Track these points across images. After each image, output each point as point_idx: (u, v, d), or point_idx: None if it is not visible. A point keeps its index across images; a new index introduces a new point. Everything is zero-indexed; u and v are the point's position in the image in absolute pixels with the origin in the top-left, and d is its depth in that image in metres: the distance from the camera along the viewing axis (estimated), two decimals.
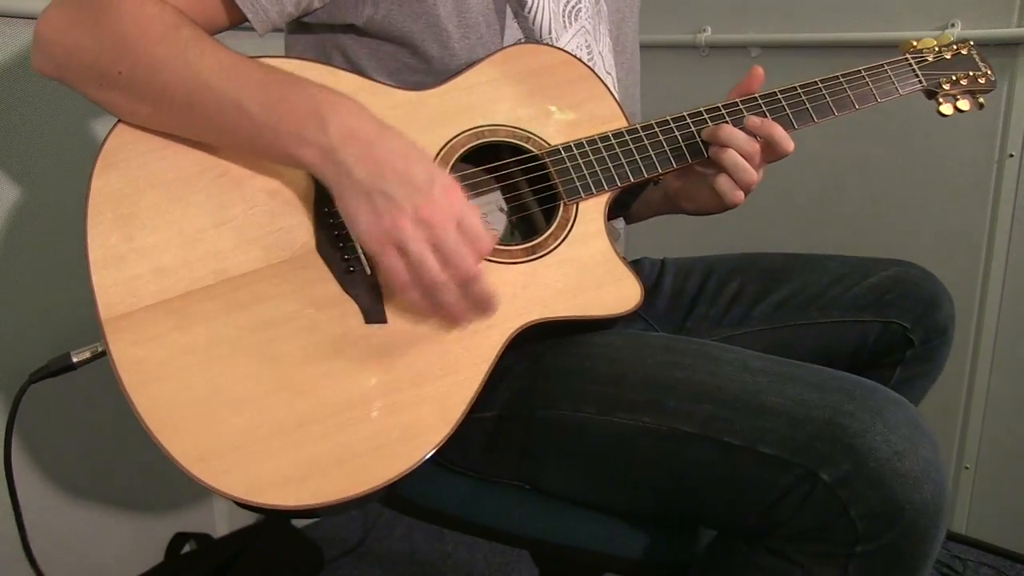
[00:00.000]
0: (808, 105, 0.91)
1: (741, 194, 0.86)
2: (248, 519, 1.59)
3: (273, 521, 1.55)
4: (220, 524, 1.57)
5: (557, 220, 0.83)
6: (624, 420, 0.74)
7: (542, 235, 0.82)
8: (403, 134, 0.71)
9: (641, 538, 0.80)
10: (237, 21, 0.78)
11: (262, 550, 1.50)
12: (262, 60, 0.73)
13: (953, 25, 1.45)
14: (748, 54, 1.72)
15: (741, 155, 0.84)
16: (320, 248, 0.74)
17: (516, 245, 0.81)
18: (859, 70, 0.95)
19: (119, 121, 0.74)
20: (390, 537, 1.67)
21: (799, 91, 0.92)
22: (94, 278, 0.69)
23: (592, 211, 0.84)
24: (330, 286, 0.74)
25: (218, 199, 0.73)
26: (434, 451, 0.71)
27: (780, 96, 0.91)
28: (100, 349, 0.71)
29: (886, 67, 0.96)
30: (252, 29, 0.78)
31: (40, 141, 1.22)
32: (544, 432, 0.78)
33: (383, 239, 0.68)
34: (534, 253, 0.81)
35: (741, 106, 0.89)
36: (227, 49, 0.72)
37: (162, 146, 0.73)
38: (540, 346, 0.80)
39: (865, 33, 1.56)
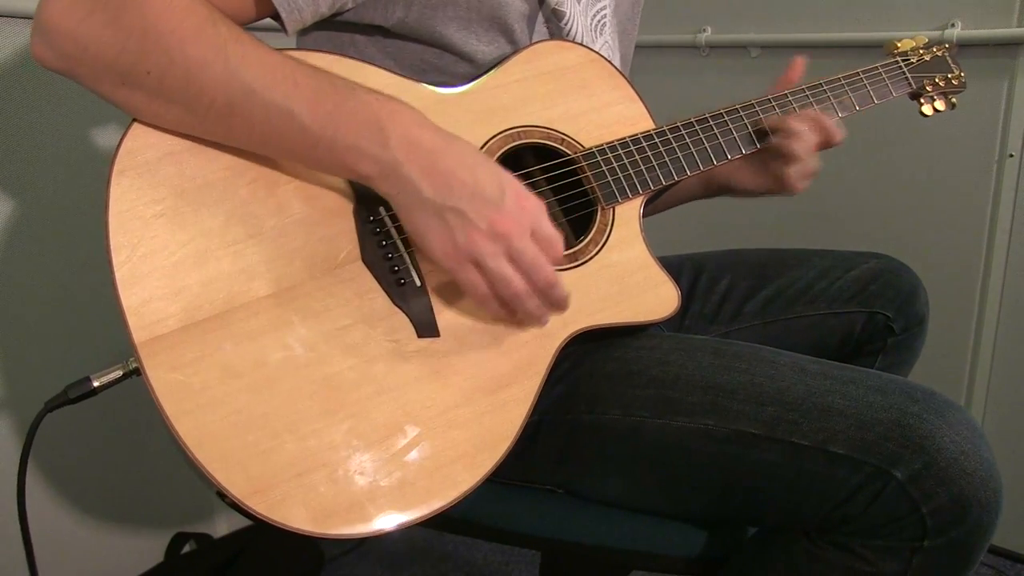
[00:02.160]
0: (815, 108, 0.94)
1: (806, 183, 0.92)
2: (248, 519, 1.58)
3: None
4: (220, 524, 1.56)
5: (595, 225, 0.82)
6: (683, 423, 0.74)
7: (582, 241, 0.81)
8: (466, 142, 0.68)
9: (677, 534, 0.80)
10: (263, 17, 0.73)
11: (262, 550, 1.50)
12: (302, 58, 0.68)
13: (953, 25, 1.45)
14: (748, 54, 1.72)
15: (806, 144, 0.88)
16: (365, 258, 0.71)
17: None
18: (857, 72, 0.98)
19: (134, 120, 0.67)
20: (390, 537, 1.67)
21: (806, 92, 0.94)
22: (122, 298, 0.63)
23: (628, 215, 0.84)
24: (378, 299, 0.70)
25: (251, 207, 0.68)
26: (495, 469, 0.69)
27: (790, 98, 0.93)
28: (122, 373, 0.67)
29: (880, 69, 1.00)
30: (267, 27, 0.74)
31: (44, 145, 1.20)
32: (589, 437, 0.78)
33: (459, 257, 0.66)
34: (576, 260, 0.80)
35: (757, 107, 0.91)
36: (268, 48, 0.66)
37: (185, 148, 0.67)
38: (577, 350, 0.80)
39: (865, 33, 1.56)
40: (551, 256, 0.69)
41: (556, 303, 0.71)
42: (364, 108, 0.66)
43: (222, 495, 0.63)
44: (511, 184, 0.68)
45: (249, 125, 0.65)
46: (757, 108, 0.91)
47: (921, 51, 1.04)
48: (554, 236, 0.69)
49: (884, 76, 1.00)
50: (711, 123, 0.89)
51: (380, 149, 0.65)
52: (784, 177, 0.91)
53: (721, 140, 0.89)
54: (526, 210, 0.68)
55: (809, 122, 0.90)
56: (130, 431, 1.36)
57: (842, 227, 1.67)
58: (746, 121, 0.90)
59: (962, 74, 1.06)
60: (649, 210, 1.03)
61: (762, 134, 0.91)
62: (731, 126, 0.90)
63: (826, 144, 0.92)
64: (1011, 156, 1.45)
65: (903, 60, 1.02)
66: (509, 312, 0.70)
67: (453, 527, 0.85)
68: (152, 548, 1.46)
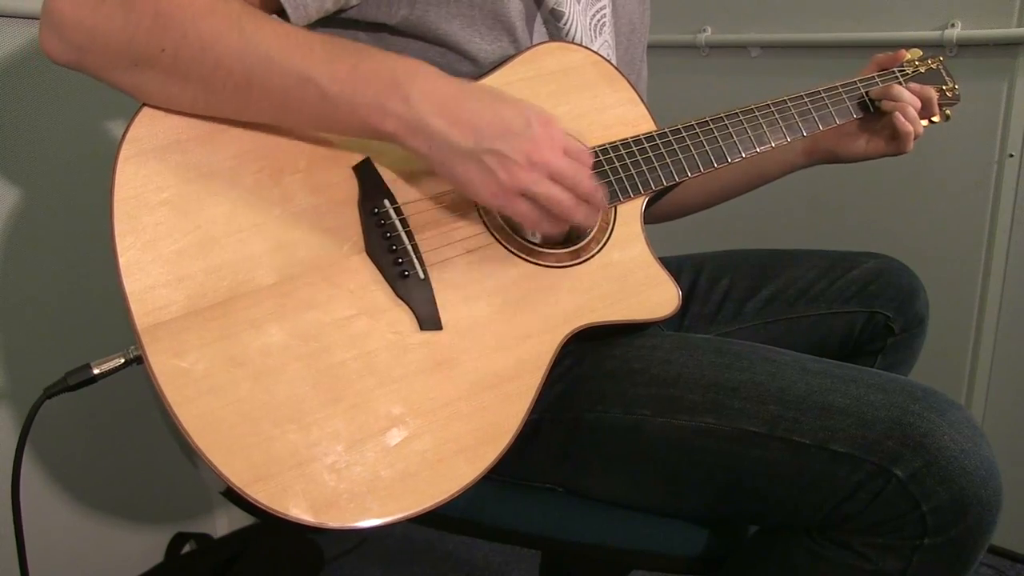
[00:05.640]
0: (814, 114, 0.96)
1: (911, 144, 0.99)
2: (248, 519, 1.59)
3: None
4: (220, 524, 1.56)
5: (597, 224, 0.83)
6: (684, 422, 0.74)
7: (584, 239, 0.82)
8: (481, 84, 0.70)
9: (678, 533, 0.80)
10: (268, 12, 0.73)
11: (262, 550, 1.50)
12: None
13: (953, 25, 1.45)
14: (748, 54, 1.72)
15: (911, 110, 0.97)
16: (369, 250, 0.71)
17: (561, 249, 0.80)
18: (854, 81, 1.00)
19: (142, 106, 0.68)
20: (390, 537, 1.67)
21: (805, 100, 0.96)
22: (126, 284, 0.63)
23: (630, 214, 0.85)
24: (382, 291, 0.71)
25: (257, 196, 0.69)
26: (496, 462, 0.69)
27: (790, 103, 0.95)
28: (123, 360, 0.66)
29: (877, 79, 1.01)
30: None
31: (46, 136, 1.20)
32: (590, 435, 0.78)
33: (507, 194, 0.68)
34: (578, 257, 0.81)
35: (756, 112, 0.93)
36: (281, 21, 0.67)
37: (192, 136, 0.68)
38: (578, 349, 0.80)
39: (865, 33, 1.56)
40: (587, 166, 0.72)
41: (598, 205, 0.74)
42: (381, 67, 0.67)
43: (226, 492, 0.63)
44: (534, 111, 0.70)
45: (268, 95, 0.66)
46: (756, 112, 0.93)
47: (916, 63, 1.05)
48: (582, 149, 0.72)
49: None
50: (711, 126, 0.90)
51: (402, 106, 0.66)
52: (898, 128, 0.96)
53: (721, 143, 0.90)
54: (554, 134, 0.70)
55: (915, 93, 0.98)
56: (130, 429, 1.36)
57: (842, 227, 1.67)
58: (745, 125, 0.91)
59: (956, 86, 1.07)
60: (723, 192, 1.09)
61: (777, 133, 0.92)
62: (731, 130, 0.90)
63: (925, 115, 1.00)
64: (1011, 156, 1.45)
65: (899, 71, 1.03)
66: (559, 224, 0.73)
67: (453, 527, 0.85)
68: (152, 548, 1.46)
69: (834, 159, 1.04)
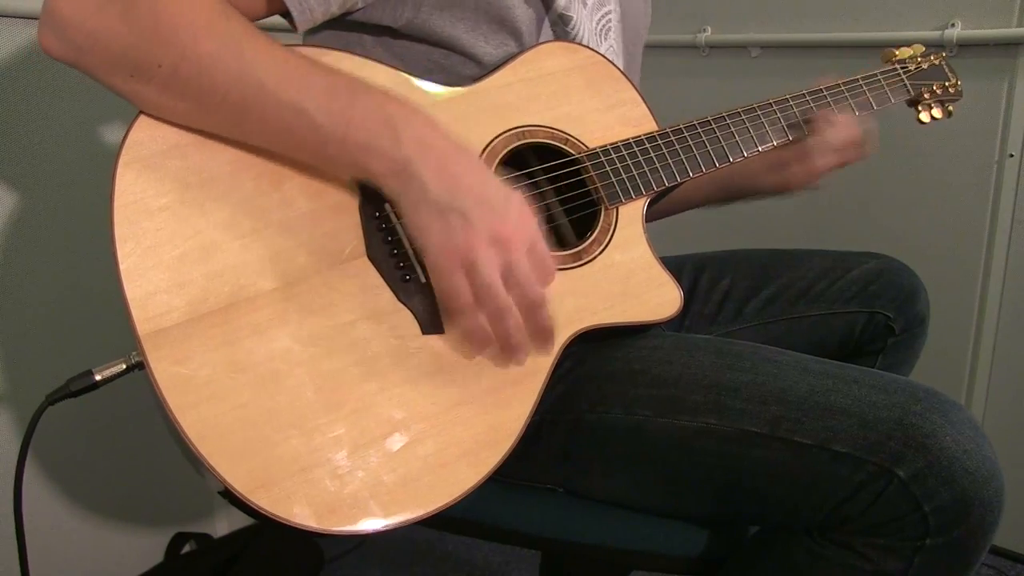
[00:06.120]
0: (815, 113, 0.95)
1: (819, 179, 0.97)
2: (248, 519, 1.59)
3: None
4: (220, 524, 1.57)
5: (599, 225, 0.82)
6: (686, 422, 0.74)
7: (586, 240, 0.82)
8: (475, 153, 0.69)
9: (678, 533, 0.80)
10: (273, 14, 0.73)
11: (262, 550, 1.50)
12: (313, 56, 0.68)
13: (953, 25, 1.45)
14: (748, 54, 1.72)
15: (840, 140, 0.94)
16: (371, 254, 0.71)
17: (562, 251, 0.80)
18: (856, 79, 1.00)
19: (140, 112, 0.67)
20: (390, 537, 1.67)
21: (807, 97, 0.96)
22: (127, 290, 0.63)
23: (631, 215, 0.84)
24: (384, 295, 0.70)
25: (257, 201, 0.68)
26: (498, 466, 0.69)
27: (792, 103, 0.94)
28: (125, 367, 0.66)
29: (879, 76, 1.01)
30: (274, 26, 0.73)
31: (46, 141, 1.20)
32: (591, 435, 0.78)
33: (454, 258, 0.66)
34: (580, 259, 0.80)
35: (758, 111, 0.92)
36: (280, 45, 0.66)
37: (192, 141, 0.67)
38: (580, 350, 0.80)
39: (865, 33, 1.56)
40: (545, 277, 0.69)
41: (539, 327, 0.70)
42: (376, 106, 0.66)
43: (224, 493, 0.63)
44: (517, 197, 0.68)
45: (261, 121, 0.65)
46: (758, 112, 0.92)
47: (919, 59, 1.05)
48: (549, 259, 0.69)
49: (883, 83, 1.01)
50: (713, 126, 0.89)
51: (392, 147, 0.65)
52: (806, 170, 0.94)
53: (723, 143, 0.89)
54: (527, 225, 0.68)
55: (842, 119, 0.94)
56: (131, 430, 1.36)
57: (842, 227, 1.67)
58: (747, 124, 0.91)
59: (959, 82, 1.06)
60: (655, 213, 1.03)
61: (779, 132, 0.92)
62: (733, 129, 0.90)
63: (854, 147, 0.96)
64: (1011, 156, 1.45)
65: (902, 68, 1.03)
66: (486, 331, 0.69)
67: (454, 527, 0.85)
68: (152, 548, 1.46)
69: (741, 195, 1.02)
